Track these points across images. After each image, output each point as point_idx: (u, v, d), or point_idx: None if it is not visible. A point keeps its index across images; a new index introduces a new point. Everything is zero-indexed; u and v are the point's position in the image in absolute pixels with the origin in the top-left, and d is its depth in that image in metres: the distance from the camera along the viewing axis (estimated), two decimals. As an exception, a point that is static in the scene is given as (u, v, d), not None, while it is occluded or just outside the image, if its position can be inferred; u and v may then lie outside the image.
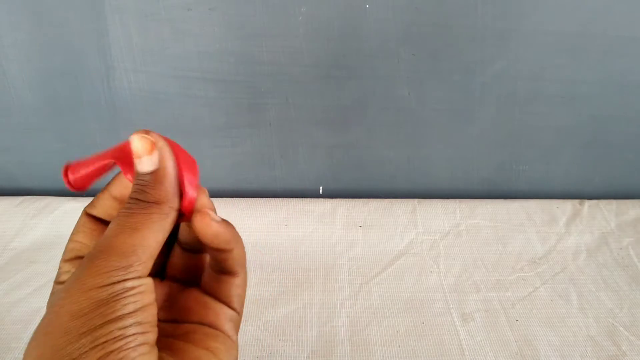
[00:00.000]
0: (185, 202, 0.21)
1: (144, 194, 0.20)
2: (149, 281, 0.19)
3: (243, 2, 0.50)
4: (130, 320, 0.18)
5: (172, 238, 0.26)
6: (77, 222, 0.24)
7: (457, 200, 0.59)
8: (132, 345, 0.17)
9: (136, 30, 0.51)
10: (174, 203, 0.21)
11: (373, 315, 0.46)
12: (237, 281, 0.24)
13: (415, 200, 0.60)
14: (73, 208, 0.58)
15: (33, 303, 0.46)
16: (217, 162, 0.61)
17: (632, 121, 0.58)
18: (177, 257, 0.26)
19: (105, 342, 0.17)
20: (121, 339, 0.17)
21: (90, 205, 0.24)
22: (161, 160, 0.21)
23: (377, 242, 0.54)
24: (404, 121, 0.57)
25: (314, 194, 0.63)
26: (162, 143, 0.21)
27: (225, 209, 0.57)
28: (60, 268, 0.23)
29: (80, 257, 0.22)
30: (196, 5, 0.50)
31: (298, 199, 0.59)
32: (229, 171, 0.61)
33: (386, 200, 0.60)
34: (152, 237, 0.19)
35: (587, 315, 0.46)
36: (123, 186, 0.24)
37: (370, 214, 0.58)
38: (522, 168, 0.61)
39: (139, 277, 0.19)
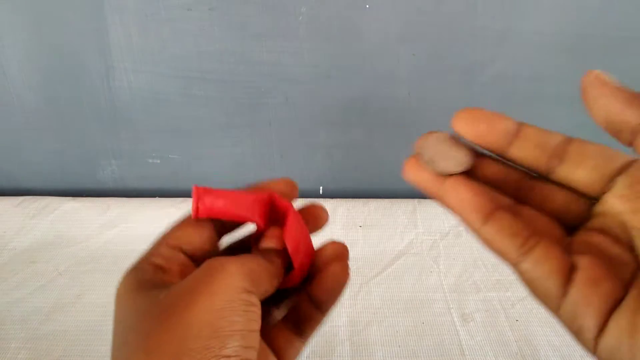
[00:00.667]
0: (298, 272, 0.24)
1: (268, 255, 0.23)
2: (260, 307, 0.20)
3: (243, 2, 0.50)
4: (248, 341, 0.18)
5: None
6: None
7: (457, 200, 0.59)
8: None
9: (136, 30, 0.51)
10: (279, 274, 0.24)
11: (373, 315, 0.46)
12: (322, 318, 0.25)
13: (415, 200, 0.60)
14: (73, 208, 0.58)
15: (33, 303, 0.46)
16: (217, 162, 0.61)
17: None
18: None
19: (228, 356, 0.17)
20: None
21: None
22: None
23: (377, 242, 0.54)
24: (404, 121, 0.57)
25: (314, 194, 0.63)
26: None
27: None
28: (157, 248, 0.22)
29: (183, 251, 0.22)
30: (196, 5, 0.50)
31: (298, 199, 0.59)
32: (229, 171, 0.61)
33: (386, 200, 0.60)
34: (264, 285, 0.22)
35: (587, 315, 0.46)
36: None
37: (370, 214, 0.58)
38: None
39: (258, 296, 0.20)
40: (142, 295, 0.21)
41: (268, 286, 0.22)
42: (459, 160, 0.20)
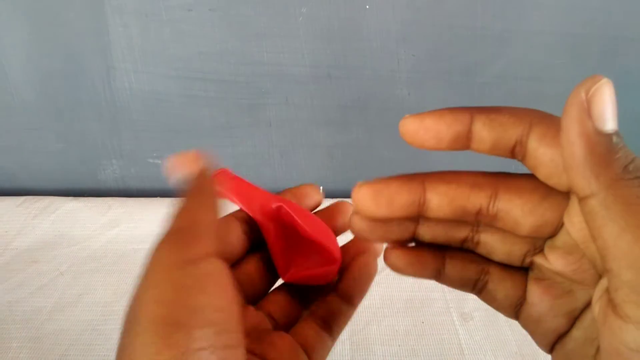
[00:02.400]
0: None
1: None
2: (222, 264, 0.18)
3: (243, 3, 0.50)
4: (212, 329, 0.16)
5: (273, 275, 0.25)
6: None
7: (457, 200, 0.59)
8: None
9: (137, 30, 0.52)
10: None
11: (373, 314, 0.46)
12: (352, 312, 0.24)
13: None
14: (74, 208, 0.58)
15: (34, 303, 0.46)
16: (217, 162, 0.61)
17: (632, 121, 0.58)
18: (278, 297, 0.25)
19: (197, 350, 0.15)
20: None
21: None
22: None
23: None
24: (404, 121, 0.57)
25: (314, 194, 0.63)
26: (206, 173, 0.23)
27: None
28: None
29: None
30: (197, 5, 0.50)
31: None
32: (229, 171, 0.61)
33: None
34: (205, 215, 0.20)
35: (586, 314, 0.46)
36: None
37: (370, 213, 0.58)
38: (523, 168, 0.61)
39: (214, 257, 0.18)
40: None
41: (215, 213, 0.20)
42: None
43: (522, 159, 0.18)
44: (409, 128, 0.19)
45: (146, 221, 0.56)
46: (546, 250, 0.18)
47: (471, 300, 0.48)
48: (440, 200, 0.18)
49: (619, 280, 0.13)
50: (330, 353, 0.43)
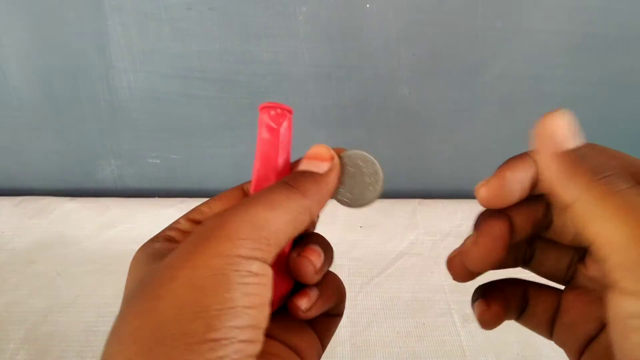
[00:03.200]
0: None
1: (296, 181, 0.19)
2: (270, 273, 0.17)
3: (243, 2, 0.50)
4: (245, 320, 0.15)
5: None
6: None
7: (458, 201, 0.59)
8: (239, 356, 0.15)
9: (136, 29, 0.51)
10: (316, 210, 0.20)
11: (374, 316, 0.46)
12: (338, 321, 0.24)
13: (416, 201, 0.60)
14: (72, 208, 0.57)
15: (31, 303, 0.46)
16: (217, 162, 0.60)
17: (632, 121, 0.58)
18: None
19: (217, 340, 0.14)
20: (233, 343, 0.15)
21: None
22: (328, 172, 0.20)
23: (378, 243, 0.54)
24: (404, 121, 0.57)
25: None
26: (337, 162, 0.21)
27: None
28: (175, 222, 0.20)
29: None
30: (196, 4, 0.50)
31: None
32: (229, 171, 0.61)
33: (387, 201, 0.60)
34: (285, 222, 0.17)
35: (588, 315, 0.46)
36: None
37: (370, 214, 0.58)
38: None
39: (264, 262, 0.16)
40: (144, 268, 0.18)
41: (296, 227, 0.18)
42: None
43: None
44: (491, 194, 0.20)
45: (145, 221, 0.56)
46: (587, 258, 0.21)
47: (472, 301, 0.47)
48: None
49: (611, 262, 0.15)
50: (331, 355, 0.42)
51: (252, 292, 0.16)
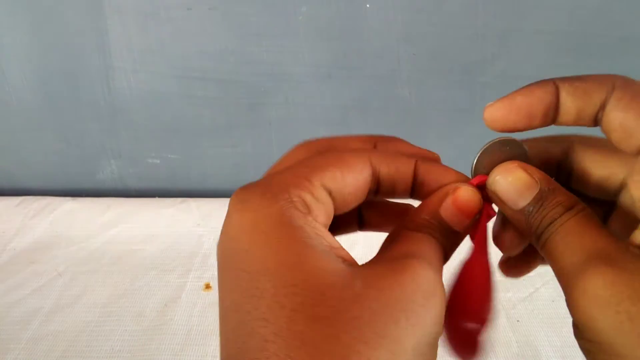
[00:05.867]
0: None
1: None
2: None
3: (243, 2, 0.50)
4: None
5: None
6: None
7: (458, 201, 0.59)
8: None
9: (136, 30, 0.51)
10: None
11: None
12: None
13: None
14: (72, 208, 0.57)
15: (32, 303, 0.46)
16: (217, 162, 0.61)
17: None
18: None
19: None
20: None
21: None
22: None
23: (378, 243, 0.54)
24: (404, 121, 0.57)
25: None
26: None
27: (225, 209, 0.57)
28: (307, 183, 0.18)
29: (331, 195, 0.19)
30: (196, 4, 0.50)
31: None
32: (229, 171, 0.61)
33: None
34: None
35: (588, 315, 0.45)
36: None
37: (370, 214, 0.58)
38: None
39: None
40: (287, 236, 0.16)
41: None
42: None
43: (600, 125, 0.18)
44: (499, 114, 0.19)
45: (145, 221, 0.56)
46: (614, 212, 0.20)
47: (472, 301, 0.47)
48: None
49: None
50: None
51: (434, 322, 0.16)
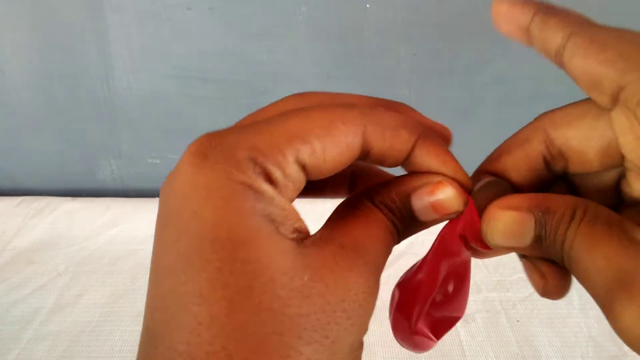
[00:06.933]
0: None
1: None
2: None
3: (243, 1, 0.50)
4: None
5: None
6: None
7: (458, 201, 0.59)
8: None
9: (136, 29, 0.51)
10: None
11: (373, 316, 0.46)
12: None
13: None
14: (72, 208, 0.57)
15: (32, 304, 0.46)
16: (217, 162, 0.60)
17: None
18: None
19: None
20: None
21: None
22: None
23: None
24: (404, 121, 0.57)
25: (314, 194, 0.63)
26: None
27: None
28: (284, 158, 0.15)
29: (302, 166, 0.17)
30: (196, 4, 0.50)
31: (298, 199, 0.59)
32: (228, 171, 0.61)
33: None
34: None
35: (588, 315, 0.46)
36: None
37: (370, 214, 0.58)
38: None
39: None
40: (246, 210, 0.14)
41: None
42: None
43: (564, 69, 0.17)
44: (501, 9, 0.19)
45: (145, 222, 0.56)
46: (627, 174, 0.18)
47: (473, 301, 0.47)
48: None
49: None
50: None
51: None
